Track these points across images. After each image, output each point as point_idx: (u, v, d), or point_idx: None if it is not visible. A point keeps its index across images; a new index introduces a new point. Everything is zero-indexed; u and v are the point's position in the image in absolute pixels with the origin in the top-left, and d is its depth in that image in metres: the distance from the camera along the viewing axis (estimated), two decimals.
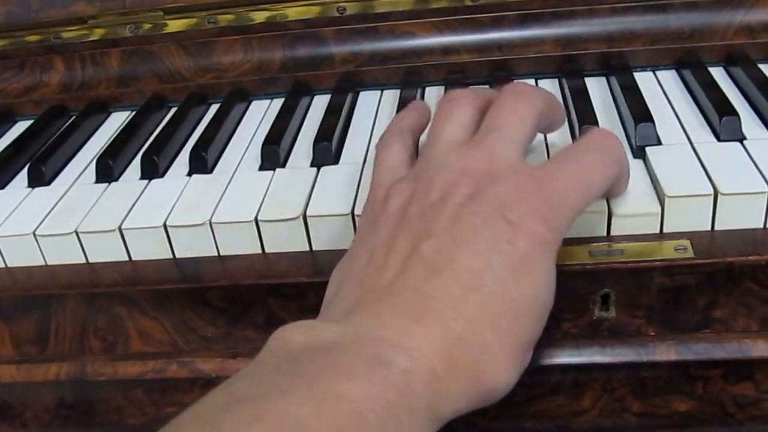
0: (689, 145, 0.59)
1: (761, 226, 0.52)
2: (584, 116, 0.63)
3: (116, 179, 0.68)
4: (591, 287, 0.53)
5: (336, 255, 0.56)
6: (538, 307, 0.43)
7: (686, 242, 0.52)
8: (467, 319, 0.40)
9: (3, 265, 0.62)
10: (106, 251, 0.60)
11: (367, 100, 0.76)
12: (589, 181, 0.46)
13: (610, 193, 0.52)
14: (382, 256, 0.43)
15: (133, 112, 0.80)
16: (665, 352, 0.54)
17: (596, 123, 0.62)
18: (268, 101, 0.80)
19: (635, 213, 0.53)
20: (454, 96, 0.52)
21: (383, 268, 0.43)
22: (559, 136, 0.63)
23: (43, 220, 0.62)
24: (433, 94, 0.76)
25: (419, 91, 0.75)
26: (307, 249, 0.57)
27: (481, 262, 0.41)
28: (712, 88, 0.65)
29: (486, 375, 0.40)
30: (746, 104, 0.65)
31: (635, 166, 0.58)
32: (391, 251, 0.43)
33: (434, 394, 0.38)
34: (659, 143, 0.60)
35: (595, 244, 0.53)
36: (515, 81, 0.54)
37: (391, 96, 0.76)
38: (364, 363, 0.37)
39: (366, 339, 0.39)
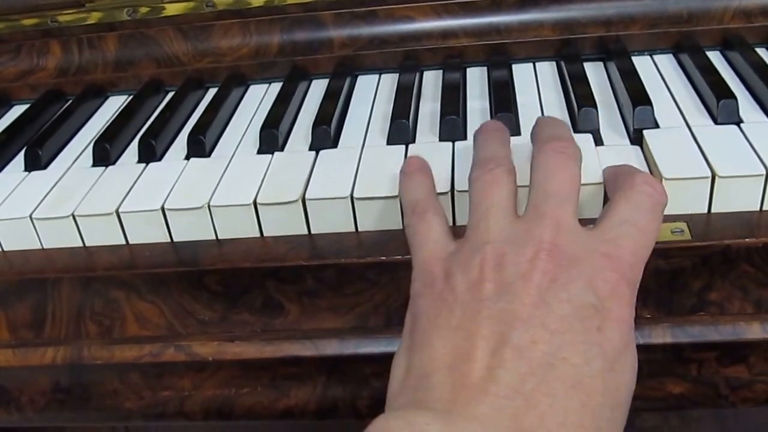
0: (687, 129, 0.59)
1: (758, 208, 0.52)
2: (583, 101, 0.63)
3: (113, 163, 0.68)
4: None
5: (335, 238, 0.56)
6: (628, 394, 0.41)
7: (683, 225, 0.52)
8: (573, 425, 0.38)
9: None
10: (103, 235, 0.60)
11: (365, 84, 0.76)
12: (649, 245, 0.44)
13: None
14: (465, 344, 0.40)
15: (130, 97, 0.80)
16: (660, 335, 0.54)
17: (595, 107, 0.62)
18: (266, 86, 0.79)
19: None
20: (489, 155, 0.49)
21: (471, 360, 0.39)
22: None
23: (39, 204, 0.61)
24: (430, 78, 0.76)
25: (417, 75, 0.74)
26: (306, 232, 0.57)
27: (578, 355, 0.39)
28: (709, 71, 0.65)
29: None
30: (743, 88, 0.65)
31: (632, 150, 0.58)
32: (474, 338, 0.40)
33: None
34: (657, 126, 0.60)
35: (592, 226, 0.53)
36: (546, 120, 0.52)
37: (390, 80, 0.76)
38: None
39: None
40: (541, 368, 0.38)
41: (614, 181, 0.49)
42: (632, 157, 0.57)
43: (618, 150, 0.58)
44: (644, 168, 0.55)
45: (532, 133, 0.52)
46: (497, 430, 0.37)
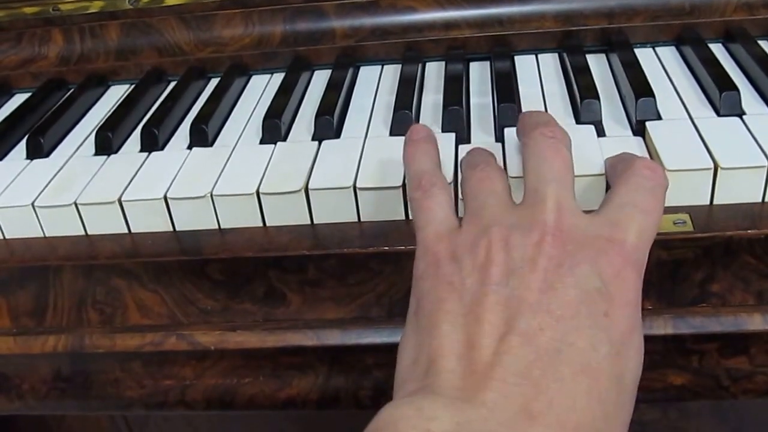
0: (689, 120, 0.59)
1: (760, 200, 0.53)
2: (585, 92, 0.63)
3: (115, 152, 0.68)
4: None
5: (337, 228, 0.56)
6: (634, 379, 0.41)
7: (685, 216, 0.52)
8: (581, 409, 0.37)
9: (1, 237, 0.62)
10: (105, 223, 0.60)
11: (367, 75, 0.76)
12: (653, 227, 0.44)
13: None
14: (473, 330, 0.40)
15: (132, 86, 0.80)
16: (662, 326, 0.54)
17: (597, 99, 0.62)
18: (268, 76, 0.79)
19: None
20: (477, 161, 0.49)
21: (479, 346, 0.39)
22: (561, 111, 0.63)
23: (41, 192, 0.61)
24: (433, 69, 0.76)
25: (420, 66, 0.74)
26: (308, 222, 0.57)
27: (585, 340, 0.39)
28: (712, 63, 0.65)
29: None
30: (745, 80, 0.65)
31: (634, 141, 0.58)
32: (482, 324, 0.40)
33: None
34: (659, 118, 0.60)
35: (594, 211, 0.53)
36: (530, 112, 0.52)
37: (392, 71, 0.76)
38: None
39: None
40: (548, 354, 0.38)
41: (614, 169, 0.49)
42: (634, 148, 0.57)
43: (620, 141, 0.58)
44: (647, 153, 0.55)
45: (517, 128, 0.52)
46: (506, 416, 0.37)
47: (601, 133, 0.60)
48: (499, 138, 0.61)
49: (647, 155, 0.56)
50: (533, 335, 0.39)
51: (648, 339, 0.54)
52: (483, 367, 0.38)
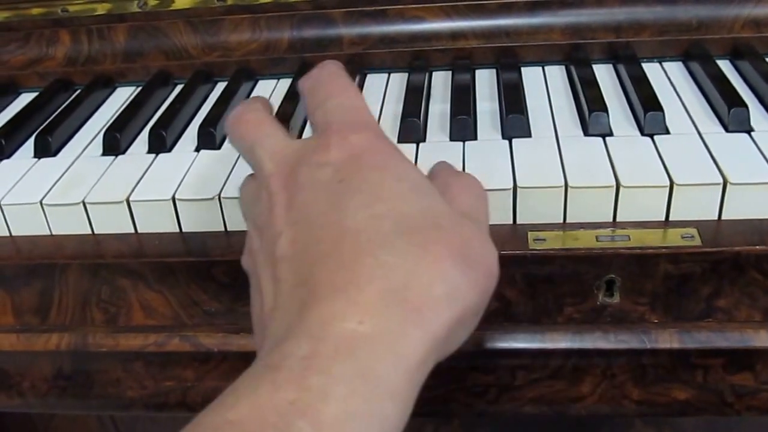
0: (697, 135, 0.59)
1: None
2: (593, 105, 0.63)
3: (123, 152, 0.68)
4: (596, 272, 0.53)
5: None
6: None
7: (693, 230, 0.52)
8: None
9: (7, 234, 0.61)
10: (112, 223, 0.60)
11: (374, 83, 0.76)
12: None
13: None
14: (258, 296, 0.42)
15: (139, 88, 0.80)
16: (667, 340, 0.54)
17: (606, 111, 0.62)
18: (275, 81, 0.79)
19: (645, 184, 0.53)
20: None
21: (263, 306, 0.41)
22: (569, 123, 0.64)
23: (49, 190, 0.61)
24: (439, 79, 0.76)
25: (426, 75, 0.75)
26: None
27: (330, 208, 0.40)
28: (720, 79, 0.66)
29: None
30: (753, 97, 0.65)
31: (645, 142, 0.59)
32: (258, 277, 0.42)
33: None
34: (667, 133, 0.60)
35: (601, 229, 0.53)
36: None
37: (398, 79, 0.76)
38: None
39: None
40: (306, 235, 0.39)
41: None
42: (646, 151, 0.57)
43: (628, 141, 0.59)
44: (656, 166, 0.55)
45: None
46: (286, 321, 0.37)
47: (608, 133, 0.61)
48: None
49: (656, 156, 0.56)
50: (289, 246, 0.40)
51: (653, 353, 0.55)
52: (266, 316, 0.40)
